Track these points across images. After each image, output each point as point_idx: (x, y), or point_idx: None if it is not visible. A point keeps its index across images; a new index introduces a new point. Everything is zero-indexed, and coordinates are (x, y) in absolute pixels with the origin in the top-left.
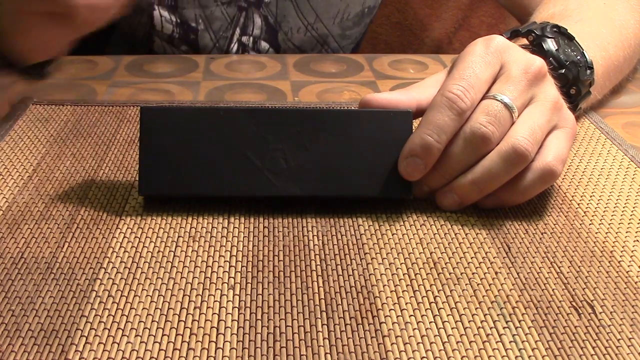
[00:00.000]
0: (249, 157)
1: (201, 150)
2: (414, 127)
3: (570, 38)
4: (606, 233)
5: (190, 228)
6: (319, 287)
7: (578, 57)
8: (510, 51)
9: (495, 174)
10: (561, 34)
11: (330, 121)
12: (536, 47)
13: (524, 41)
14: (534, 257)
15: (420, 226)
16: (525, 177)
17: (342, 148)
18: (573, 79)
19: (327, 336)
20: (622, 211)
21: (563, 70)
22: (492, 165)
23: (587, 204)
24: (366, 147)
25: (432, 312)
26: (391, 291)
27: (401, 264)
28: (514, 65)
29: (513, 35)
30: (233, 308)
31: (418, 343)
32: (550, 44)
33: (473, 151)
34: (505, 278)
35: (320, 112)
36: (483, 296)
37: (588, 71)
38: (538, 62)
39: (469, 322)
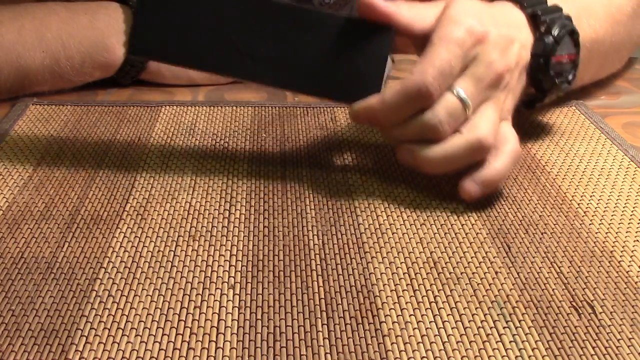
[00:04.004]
0: (233, 39)
1: (191, 26)
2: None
3: (576, 44)
4: (606, 233)
5: (191, 228)
6: (319, 287)
7: (566, 76)
8: (485, 45)
9: (453, 159)
10: (572, 39)
11: (315, 22)
12: (540, 40)
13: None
14: (534, 257)
15: (420, 226)
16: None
17: (322, 49)
18: (543, 89)
19: (327, 336)
20: (622, 211)
21: (542, 77)
22: (454, 150)
23: (587, 204)
24: (344, 54)
25: (432, 311)
26: (391, 291)
27: (401, 263)
28: (480, 65)
29: (532, 12)
30: (233, 307)
31: (418, 343)
32: (551, 47)
33: (419, 132)
34: (505, 278)
35: (308, 12)
36: (483, 296)
37: (565, 85)
38: (501, 67)
39: (469, 322)
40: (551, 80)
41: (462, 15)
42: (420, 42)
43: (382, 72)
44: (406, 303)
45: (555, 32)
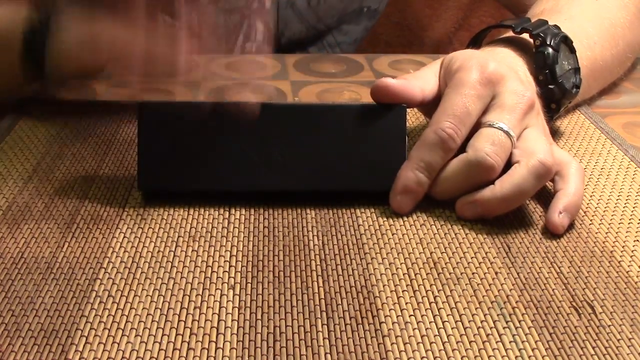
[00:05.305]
0: (245, 152)
1: (198, 146)
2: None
3: (572, 50)
4: (606, 233)
5: (190, 228)
6: (319, 287)
7: (572, 81)
8: (504, 82)
9: (525, 190)
10: (567, 46)
11: (325, 116)
12: (539, 54)
13: (528, 39)
14: (534, 257)
15: (420, 226)
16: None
17: (337, 142)
18: (557, 99)
19: (327, 336)
20: (622, 211)
21: (552, 87)
22: (522, 181)
23: (587, 204)
24: (361, 141)
25: (432, 312)
26: (391, 291)
27: (401, 264)
28: (508, 96)
29: (522, 31)
30: (233, 308)
31: (418, 343)
32: (553, 57)
33: (476, 178)
34: (505, 278)
35: (315, 107)
36: (483, 296)
37: (575, 90)
38: (529, 94)
39: (469, 322)
40: (562, 88)
41: (466, 61)
42: (429, 106)
43: (404, 149)
44: (406, 303)
45: (550, 41)
